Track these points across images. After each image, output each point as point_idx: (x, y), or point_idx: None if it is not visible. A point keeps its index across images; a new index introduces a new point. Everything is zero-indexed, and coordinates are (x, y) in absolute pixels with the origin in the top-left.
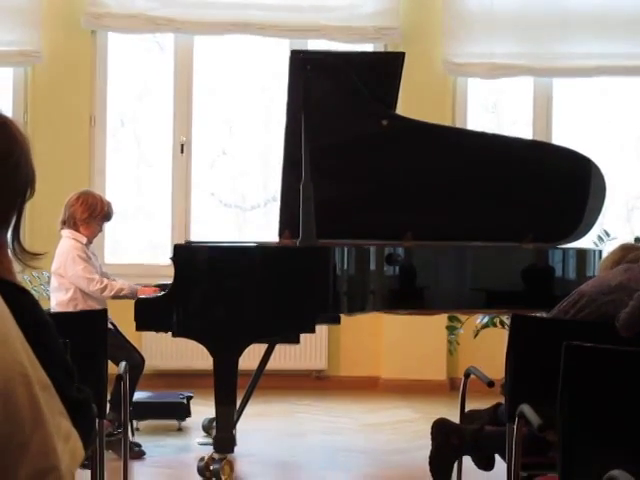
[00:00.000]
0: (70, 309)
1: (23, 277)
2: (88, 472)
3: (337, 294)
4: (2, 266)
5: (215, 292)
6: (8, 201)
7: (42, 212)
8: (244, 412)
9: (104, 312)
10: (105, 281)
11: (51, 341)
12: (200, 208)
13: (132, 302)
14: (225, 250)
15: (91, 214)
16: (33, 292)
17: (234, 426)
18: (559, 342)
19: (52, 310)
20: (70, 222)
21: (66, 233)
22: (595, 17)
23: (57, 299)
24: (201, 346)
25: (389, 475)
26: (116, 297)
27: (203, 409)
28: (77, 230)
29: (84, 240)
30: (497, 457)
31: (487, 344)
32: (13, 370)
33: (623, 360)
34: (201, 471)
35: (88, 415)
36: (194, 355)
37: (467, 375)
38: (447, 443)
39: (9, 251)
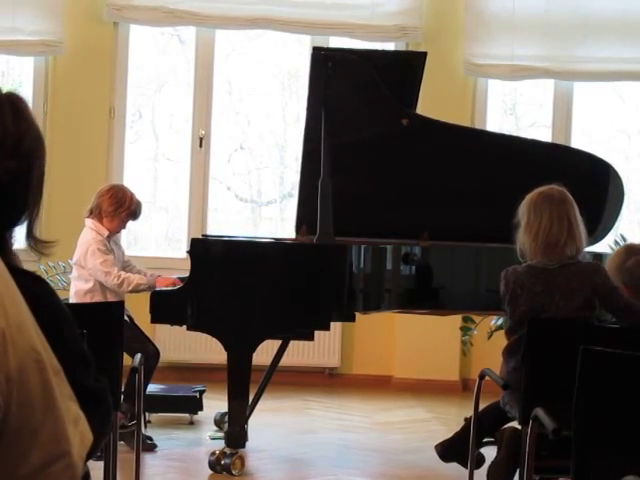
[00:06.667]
0: (87, 300)
1: (39, 267)
2: (101, 463)
3: (353, 292)
4: (16, 257)
5: (231, 287)
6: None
7: (60, 202)
8: (256, 407)
9: (121, 304)
10: (122, 276)
11: (69, 330)
12: (216, 202)
13: (148, 294)
14: (242, 245)
15: (117, 208)
16: (49, 282)
17: (246, 421)
18: (575, 346)
19: (70, 300)
20: (96, 212)
21: (89, 223)
22: (617, 21)
23: (76, 287)
24: (215, 340)
25: (401, 474)
26: (134, 291)
27: (215, 403)
28: (100, 222)
29: (105, 233)
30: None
31: (501, 346)
32: (28, 357)
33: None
34: (212, 465)
35: (104, 405)
36: (208, 349)
37: (482, 377)
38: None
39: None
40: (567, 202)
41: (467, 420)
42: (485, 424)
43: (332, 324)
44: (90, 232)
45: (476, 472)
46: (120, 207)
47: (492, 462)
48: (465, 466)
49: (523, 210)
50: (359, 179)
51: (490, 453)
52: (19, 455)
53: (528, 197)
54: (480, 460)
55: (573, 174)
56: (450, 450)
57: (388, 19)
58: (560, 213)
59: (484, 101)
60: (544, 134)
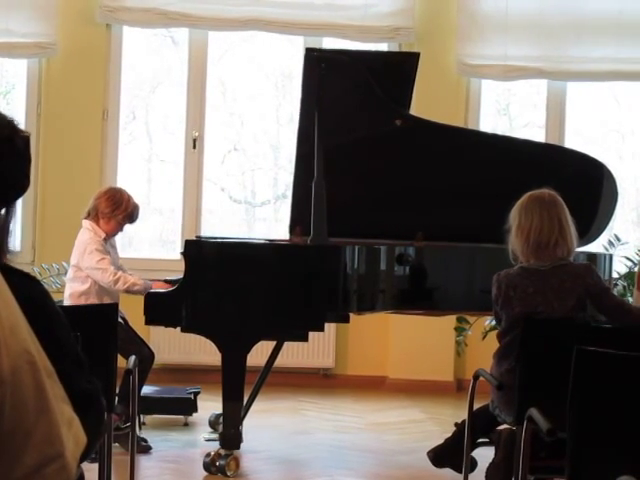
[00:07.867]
0: (81, 302)
1: (33, 269)
2: (95, 465)
3: (347, 293)
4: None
5: (225, 288)
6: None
7: (53, 204)
8: (251, 409)
9: (115, 306)
10: (119, 273)
11: (62, 332)
12: (210, 203)
13: (142, 297)
14: (236, 246)
15: (114, 210)
16: (43, 284)
17: (241, 422)
18: (570, 346)
19: (64, 302)
20: (93, 213)
21: (86, 224)
22: (611, 21)
23: (71, 289)
24: (209, 341)
25: (396, 475)
26: (128, 292)
27: (210, 404)
28: (97, 223)
29: (102, 235)
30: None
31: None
32: (21, 359)
33: (634, 366)
34: (207, 467)
35: (97, 407)
36: (202, 350)
37: (476, 377)
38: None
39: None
40: (558, 204)
41: (458, 425)
42: (479, 425)
43: (326, 325)
44: (87, 233)
45: (470, 476)
46: (117, 209)
47: (490, 464)
48: (458, 471)
49: (514, 214)
50: (353, 180)
51: (484, 454)
52: (13, 457)
53: (519, 201)
54: (473, 464)
55: (567, 174)
56: (443, 456)
57: (381, 20)
58: (551, 214)
59: (477, 101)
60: (537, 134)
